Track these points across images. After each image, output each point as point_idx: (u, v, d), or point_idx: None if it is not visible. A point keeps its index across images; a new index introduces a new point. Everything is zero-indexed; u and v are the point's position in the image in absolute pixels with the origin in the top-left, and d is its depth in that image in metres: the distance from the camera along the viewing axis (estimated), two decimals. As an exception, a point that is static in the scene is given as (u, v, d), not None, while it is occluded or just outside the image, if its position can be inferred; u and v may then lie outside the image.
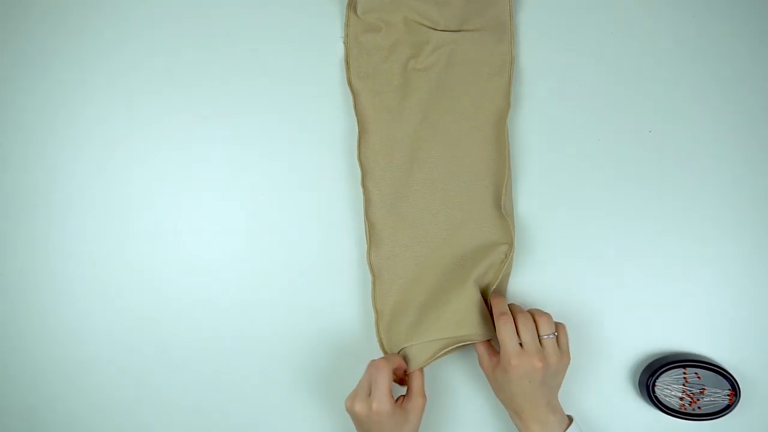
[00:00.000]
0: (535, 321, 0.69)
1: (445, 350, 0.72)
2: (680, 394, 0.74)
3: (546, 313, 0.70)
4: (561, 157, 0.79)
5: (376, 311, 0.76)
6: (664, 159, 0.78)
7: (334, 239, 0.78)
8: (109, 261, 0.79)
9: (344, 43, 0.80)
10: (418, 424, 0.70)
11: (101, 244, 0.80)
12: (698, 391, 0.74)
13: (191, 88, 0.81)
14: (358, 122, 0.77)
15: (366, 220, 0.77)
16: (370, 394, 0.67)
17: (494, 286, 0.75)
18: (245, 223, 0.79)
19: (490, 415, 0.77)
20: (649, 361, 0.76)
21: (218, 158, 0.80)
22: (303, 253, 0.79)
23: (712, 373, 0.73)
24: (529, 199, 0.78)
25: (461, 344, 0.73)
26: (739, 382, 0.74)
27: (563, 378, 0.70)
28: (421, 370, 0.72)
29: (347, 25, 0.80)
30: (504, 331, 0.68)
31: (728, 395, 0.73)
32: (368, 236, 0.76)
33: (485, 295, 0.75)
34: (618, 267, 0.77)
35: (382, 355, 0.75)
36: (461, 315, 0.73)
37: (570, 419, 0.70)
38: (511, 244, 0.75)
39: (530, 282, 0.77)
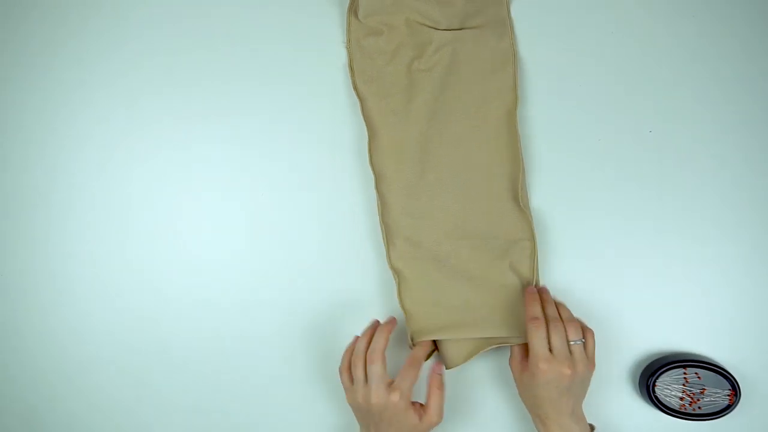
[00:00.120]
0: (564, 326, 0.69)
1: (483, 350, 0.73)
2: (680, 394, 0.74)
3: (575, 318, 0.70)
4: (561, 157, 0.79)
5: (405, 312, 0.75)
6: (664, 159, 0.78)
7: (334, 239, 0.78)
8: (109, 261, 0.79)
9: (346, 48, 0.80)
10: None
11: (101, 244, 0.80)
12: (698, 391, 0.74)
13: (191, 88, 0.81)
14: (366, 126, 0.77)
15: (382, 224, 0.76)
16: (391, 386, 0.66)
17: (534, 283, 0.75)
18: (245, 223, 0.79)
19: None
20: (649, 361, 0.76)
21: (218, 158, 0.80)
22: (303, 253, 0.79)
23: (712, 373, 0.73)
24: (530, 199, 0.78)
25: (500, 345, 0.73)
26: (739, 382, 0.74)
27: (588, 386, 0.70)
28: (442, 390, 0.70)
29: (349, 30, 0.80)
30: (535, 336, 0.67)
31: (728, 395, 0.73)
32: (385, 239, 0.76)
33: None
34: (618, 267, 0.77)
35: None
36: (500, 315, 0.73)
37: (592, 428, 0.69)
38: (531, 239, 0.75)
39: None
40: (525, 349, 0.71)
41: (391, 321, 0.73)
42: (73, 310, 0.79)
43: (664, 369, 0.73)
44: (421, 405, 0.69)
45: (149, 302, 0.79)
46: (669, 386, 0.74)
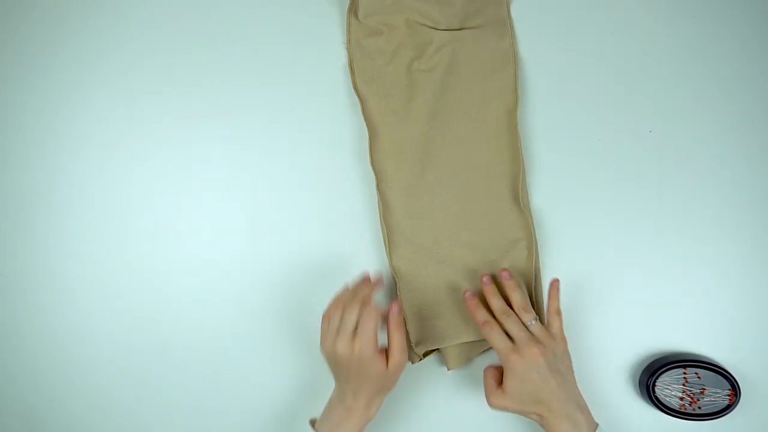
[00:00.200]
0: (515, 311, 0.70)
1: (483, 351, 0.74)
2: (680, 394, 0.74)
3: (522, 297, 0.71)
4: (561, 157, 0.79)
5: (405, 314, 0.75)
6: (664, 159, 0.78)
7: (334, 239, 0.78)
8: (109, 261, 0.79)
9: (346, 48, 0.80)
10: (395, 383, 0.69)
11: (101, 244, 0.80)
12: (698, 391, 0.74)
13: (191, 88, 0.81)
14: (367, 127, 0.77)
15: (383, 224, 0.76)
16: (354, 335, 0.66)
17: (534, 284, 0.75)
18: (245, 223, 0.79)
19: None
20: (649, 361, 0.76)
21: (218, 158, 0.80)
22: (303, 253, 0.79)
23: (712, 373, 0.73)
24: (530, 199, 0.78)
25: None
26: (739, 382, 0.74)
27: (571, 364, 0.70)
28: (403, 326, 0.69)
29: (349, 30, 0.80)
30: (492, 336, 0.68)
31: (728, 395, 0.73)
32: (386, 240, 0.76)
33: (528, 290, 0.75)
34: (618, 267, 0.77)
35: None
36: None
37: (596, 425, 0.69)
38: (531, 239, 0.76)
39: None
40: (494, 378, 0.70)
41: (379, 279, 0.72)
42: (73, 310, 0.79)
43: (664, 369, 0.73)
44: (386, 350, 0.68)
45: (149, 302, 0.79)
46: (669, 386, 0.74)
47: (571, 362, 0.70)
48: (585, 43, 0.81)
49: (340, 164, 0.79)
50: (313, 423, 0.69)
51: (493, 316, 0.71)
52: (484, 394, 0.69)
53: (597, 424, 0.68)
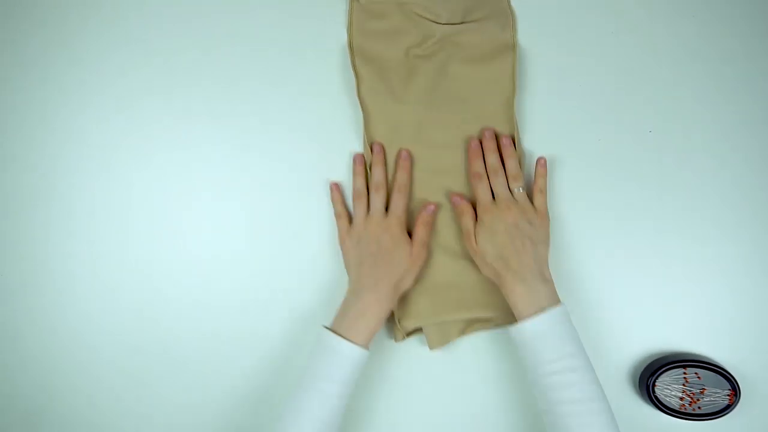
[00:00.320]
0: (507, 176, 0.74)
1: (468, 329, 0.74)
2: (680, 394, 0.74)
3: (516, 166, 0.74)
4: (561, 157, 0.79)
5: None
6: (664, 159, 0.78)
7: (334, 239, 0.78)
8: (109, 261, 0.79)
9: (347, 30, 0.80)
10: (411, 282, 0.72)
11: (101, 244, 0.80)
12: (698, 391, 0.74)
13: (191, 88, 0.81)
14: (362, 108, 0.78)
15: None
16: (386, 214, 0.71)
17: None
18: (245, 223, 0.79)
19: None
20: (649, 361, 0.76)
21: (218, 158, 0.80)
22: (303, 253, 0.79)
23: (712, 373, 0.73)
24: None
25: (485, 326, 0.74)
26: (739, 382, 0.74)
27: (548, 243, 0.72)
28: (431, 225, 0.74)
29: (351, 12, 0.80)
30: (478, 188, 0.73)
31: (728, 395, 0.73)
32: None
33: None
34: (618, 267, 0.77)
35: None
36: (486, 295, 0.74)
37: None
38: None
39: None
40: (472, 221, 0.73)
41: (407, 158, 0.76)
42: (73, 309, 0.79)
43: (664, 369, 0.73)
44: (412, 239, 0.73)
45: (149, 302, 0.79)
46: (669, 386, 0.74)
47: (548, 242, 0.72)
48: (585, 43, 0.81)
49: (340, 164, 0.79)
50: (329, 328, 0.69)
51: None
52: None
53: (561, 303, 0.67)
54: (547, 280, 0.68)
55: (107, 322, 0.79)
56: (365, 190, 0.75)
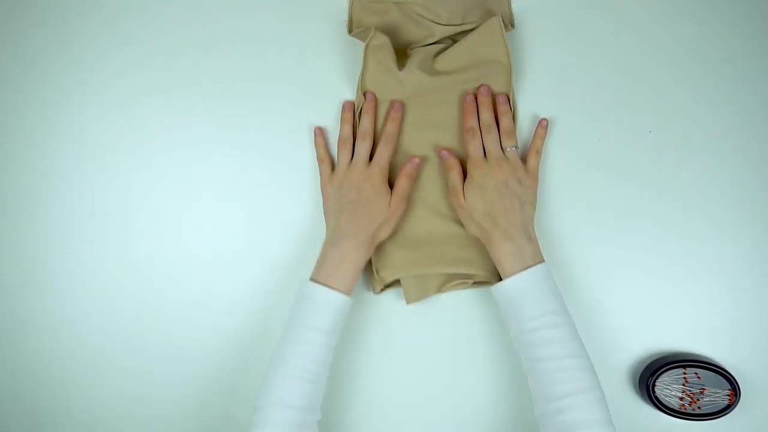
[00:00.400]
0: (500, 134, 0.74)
1: (447, 285, 0.74)
2: (680, 394, 0.74)
3: (510, 124, 0.74)
4: (561, 157, 0.79)
5: None
6: (664, 159, 0.78)
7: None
8: (109, 261, 0.79)
9: (347, 24, 0.80)
10: (389, 233, 0.72)
11: (101, 244, 0.80)
12: (698, 391, 0.74)
13: (191, 88, 0.81)
14: (361, 90, 0.77)
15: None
16: (369, 164, 0.70)
17: None
18: (245, 223, 0.79)
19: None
20: (649, 361, 0.76)
21: (218, 158, 0.80)
22: (303, 253, 0.78)
23: (712, 373, 0.73)
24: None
25: (464, 283, 0.74)
26: (739, 382, 0.74)
27: (535, 204, 0.72)
28: (414, 178, 0.74)
29: (351, 9, 0.80)
30: (470, 144, 0.72)
31: (728, 395, 0.73)
32: None
33: None
34: (618, 267, 0.77)
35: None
36: (466, 251, 0.74)
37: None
38: None
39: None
40: (459, 178, 0.73)
41: (399, 109, 0.76)
42: (73, 310, 0.79)
43: (664, 369, 0.73)
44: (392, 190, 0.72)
45: (149, 302, 0.79)
46: (669, 386, 0.74)
47: (535, 202, 0.72)
48: (585, 43, 0.81)
49: (340, 164, 0.79)
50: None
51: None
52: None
53: (543, 260, 0.68)
54: (533, 240, 0.69)
55: (107, 322, 0.79)
56: (351, 138, 0.75)
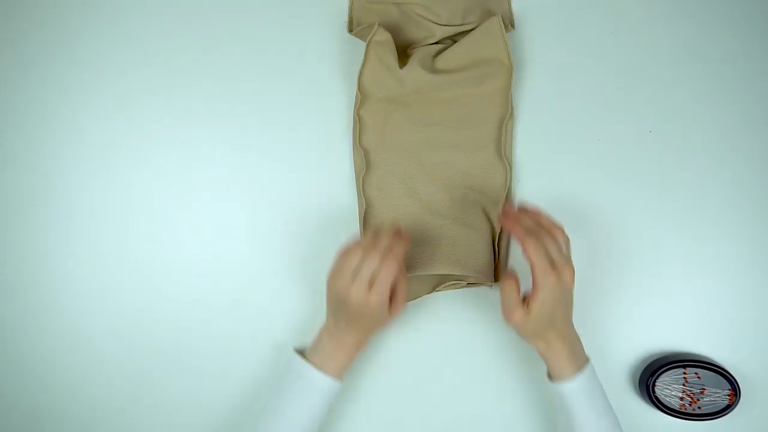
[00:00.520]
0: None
1: (441, 286, 0.74)
2: (680, 394, 0.74)
3: (553, 221, 0.68)
4: (561, 157, 0.79)
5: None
6: (664, 159, 0.78)
7: (334, 239, 0.78)
8: (109, 261, 0.79)
9: (347, 24, 0.81)
10: (388, 324, 0.71)
11: (101, 244, 0.80)
12: (698, 391, 0.74)
13: (191, 88, 0.81)
14: (359, 88, 0.77)
15: (359, 148, 0.77)
16: (371, 285, 0.65)
17: (498, 230, 0.76)
18: (245, 223, 0.79)
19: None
20: (649, 361, 0.76)
21: (218, 158, 0.80)
22: (303, 253, 0.79)
23: (712, 373, 0.73)
24: (529, 199, 0.78)
25: (458, 284, 0.74)
26: (739, 382, 0.74)
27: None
28: (405, 279, 0.70)
29: (351, 9, 0.81)
30: (536, 249, 0.64)
31: (728, 395, 0.73)
32: (364, 164, 0.77)
33: (493, 237, 0.76)
34: (618, 267, 0.77)
35: None
36: (463, 253, 0.74)
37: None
38: (507, 185, 0.77)
39: (530, 282, 0.77)
40: (516, 294, 0.67)
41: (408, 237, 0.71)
42: (73, 310, 0.79)
43: (664, 369, 0.73)
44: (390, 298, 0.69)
45: (149, 302, 0.79)
46: (669, 386, 0.74)
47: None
48: (585, 43, 0.81)
49: (340, 164, 0.79)
50: (300, 353, 0.70)
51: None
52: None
53: (588, 358, 0.69)
54: (576, 335, 0.69)
55: (107, 321, 0.79)
56: (360, 253, 0.68)
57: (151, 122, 0.81)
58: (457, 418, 0.77)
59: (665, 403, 0.74)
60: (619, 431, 0.67)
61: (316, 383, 0.68)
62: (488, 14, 0.79)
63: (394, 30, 0.79)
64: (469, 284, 0.75)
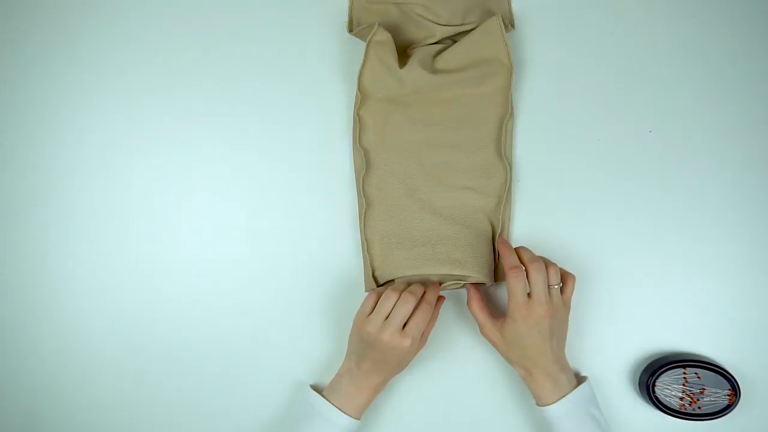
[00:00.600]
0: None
1: (441, 286, 0.74)
2: (680, 394, 0.74)
3: (554, 264, 0.70)
4: (561, 157, 0.79)
5: (366, 240, 0.76)
6: (664, 159, 0.78)
7: (334, 239, 0.78)
8: (109, 261, 0.79)
9: (347, 25, 0.81)
10: (406, 366, 0.72)
11: (101, 244, 0.80)
12: (698, 391, 0.74)
13: (191, 88, 0.81)
14: (359, 88, 0.77)
15: (359, 148, 0.77)
16: (402, 328, 0.67)
17: (499, 230, 0.76)
18: (245, 223, 0.79)
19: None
20: (649, 361, 0.76)
21: (218, 158, 0.80)
22: (303, 253, 0.79)
23: (712, 373, 0.73)
24: (529, 199, 0.78)
25: (457, 284, 0.74)
26: (739, 382, 0.74)
27: (567, 329, 0.71)
28: (436, 317, 0.73)
29: (351, 10, 0.81)
30: (516, 282, 0.67)
31: (728, 395, 0.73)
32: (364, 164, 0.77)
33: (493, 237, 0.76)
34: (618, 267, 0.77)
35: None
36: (462, 254, 0.74)
37: (581, 379, 0.71)
38: (507, 186, 0.76)
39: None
40: (491, 312, 0.72)
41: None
42: (73, 310, 0.79)
43: (664, 369, 0.73)
44: None
45: (149, 302, 0.79)
46: (669, 386, 0.74)
47: (567, 328, 0.72)
48: (585, 43, 0.81)
49: (340, 164, 0.79)
50: (316, 391, 0.71)
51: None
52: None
53: (586, 378, 0.71)
54: (565, 368, 0.70)
55: (107, 321, 0.79)
56: (396, 296, 0.70)
57: (151, 122, 0.81)
58: (457, 418, 0.77)
59: (665, 403, 0.74)
60: None
61: (338, 423, 0.69)
62: (488, 14, 0.79)
63: (394, 30, 0.79)
64: (469, 284, 0.75)
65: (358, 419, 0.70)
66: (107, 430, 0.78)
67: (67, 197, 0.80)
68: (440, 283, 0.73)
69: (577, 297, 0.76)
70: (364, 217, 0.77)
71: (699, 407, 0.74)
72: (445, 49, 0.79)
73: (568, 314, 0.71)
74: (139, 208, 0.80)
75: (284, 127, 0.80)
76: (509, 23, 0.80)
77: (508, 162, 0.77)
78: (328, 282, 0.78)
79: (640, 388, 0.75)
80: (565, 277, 0.71)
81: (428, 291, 0.71)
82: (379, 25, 0.75)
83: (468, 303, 0.72)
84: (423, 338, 0.72)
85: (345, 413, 0.69)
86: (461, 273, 0.73)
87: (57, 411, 0.78)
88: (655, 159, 0.78)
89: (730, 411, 0.73)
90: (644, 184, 0.78)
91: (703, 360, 0.74)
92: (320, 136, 0.80)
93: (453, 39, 0.80)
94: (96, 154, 0.81)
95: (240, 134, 0.80)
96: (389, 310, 0.68)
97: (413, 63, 0.77)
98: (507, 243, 0.72)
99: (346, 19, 0.81)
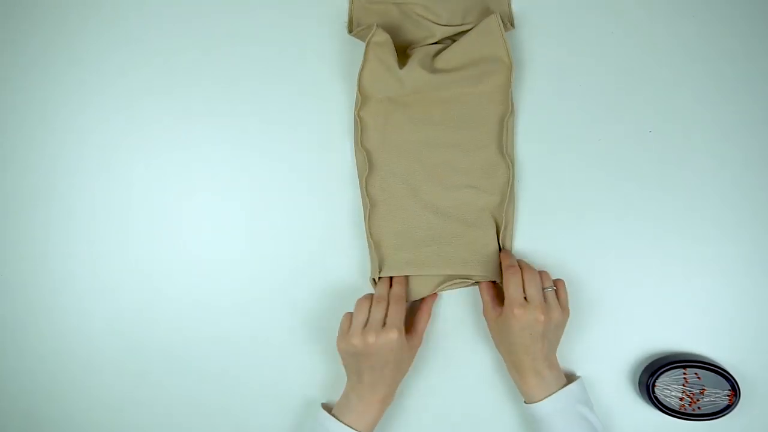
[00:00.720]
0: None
1: (446, 285, 0.74)
2: (680, 394, 0.74)
3: (545, 271, 0.73)
4: (561, 157, 0.79)
5: (371, 241, 0.76)
6: (664, 159, 0.78)
7: (334, 239, 0.78)
8: (109, 261, 0.79)
9: (347, 24, 0.81)
10: (409, 367, 0.73)
11: (101, 244, 0.80)
12: (698, 391, 0.74)
13: (191, 89, 0.81)
14: (359, 89, 0.77)
15: (362, 149, 0.77)
16: (384, 326, 0.68)
17: (502, 228, 0.76)
18: (245, 223, 0.79)
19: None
20: (649, 361, 0.76)
21: (218, 158, 0.80)
22: (303, 252, 0.79)
23: (712, 373, 0.73)
24: (529, 199, 0.78)
25: (463, 282, 0.75)
26: (739, 382, 0.74)
27: (562, 333, 0.72)
28: (429, 314, 0.74)
29: (351, 10, 0.81)
30: (511, 282, 0.70)
31: (728, 395, 0.73)
32: (366, 164, 0.77)
33: (497, 234, 0.76)
34: (618, 267, 0.77)
35: None
36: (467, 252, 0.74)
37: (571, 378, 0.71)
38: (510, 186, 0.77)
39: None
40: (497, 297, 0.73)
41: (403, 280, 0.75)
42: (73, 310, 0.79)
43: (664, 369, 0.73)
44: (407, 331, 0.72)
45: (149, 302, 0.79)
46: (669, 386, 0.74)
47: (562, 333, 0.72)
48: (585, 43, 0.80)
49: (340, 164, 0.79)
50: (327, 409, 0.71)
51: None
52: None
53: (574, 378, 0.71)
54: (553, 366, 0.70)
55: (107, 321, 0.79)
56: (368, 303, 0.72)
57: (151, 122, 0.81)
58: (457, 418, 0.77)
59: (665, 404, 0.74)
60: None
61: None
62: (488, 14, 0.79)
63: (394, 30, 0.79)
64: (476, 282, 0.76)
65: None
66: (107, 430, 0.78)
67: (67, 197, 0.80)
68: (402, 280, 0.74)
69: (576, 297, 0.77)
70: (369, 217, 0.77)
71: (699, 407, 0.74)
72: (444, 48, 0.79)
73: (567, 320, 0.71)
74: (139, 208, 0.80)
75: (284, 127, 0.80)
76: (509, 23, 0.80)
77: (510, 159, 0.77)
78: (328, 282, 0.78)
79: (640, 388, 0.75)
80: (555, 283, 0.72)
81: (394, 285, 0.73)
82: (377, 26, 0.75)
83: (479, 284, 0.75)
84: (418, 336, 0.73)
85: (355, 429, 0.69)
86: (469, 272, 0.73)
87: (57, 411, 0.78)
88: (655, 159, 0.78)
89: (730, 411, 0.73)
90: (644, 184, 0.78)
91: (703, 360, 0.74)
92: (320, 136, 0.80)
93: (453, 39, 0.80)
94: (96, 154, 0.81)
95: (240, 134, 0.80)
96: (366, 318, 0.70)
97: (413, 63, 0.77)
98: (506, 250, 0.75)
99: (346, 19, 0.81)
